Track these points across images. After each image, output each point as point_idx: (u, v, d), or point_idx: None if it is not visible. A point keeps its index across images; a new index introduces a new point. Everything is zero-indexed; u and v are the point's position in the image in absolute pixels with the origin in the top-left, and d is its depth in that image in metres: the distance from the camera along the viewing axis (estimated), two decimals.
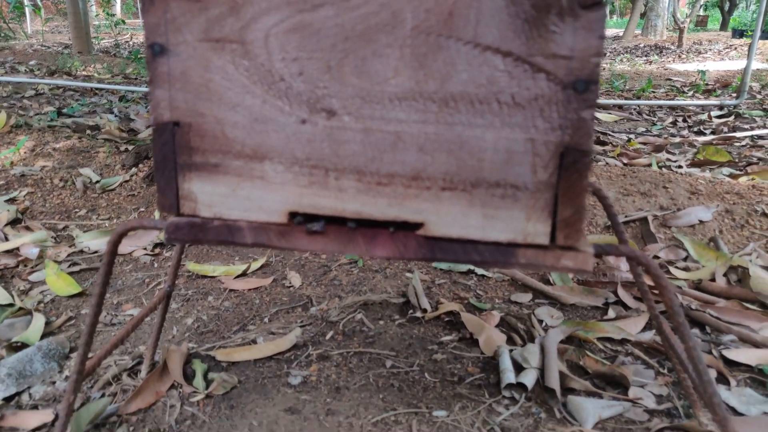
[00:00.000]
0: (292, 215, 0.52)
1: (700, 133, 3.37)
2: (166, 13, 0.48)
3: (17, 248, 1.47)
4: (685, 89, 5.01)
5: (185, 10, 0.48)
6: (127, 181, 1.90)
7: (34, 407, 0.89)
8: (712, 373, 1.00)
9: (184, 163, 0.51)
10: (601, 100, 4.16)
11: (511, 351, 1.03)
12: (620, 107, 4.18)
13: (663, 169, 2.31)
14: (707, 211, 1.58)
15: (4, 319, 1.13)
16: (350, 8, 0.46)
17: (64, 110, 3.47)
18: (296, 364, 1.00)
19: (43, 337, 1.08)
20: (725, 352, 1.05)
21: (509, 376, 0.94)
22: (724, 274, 1.35)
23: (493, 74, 0.45)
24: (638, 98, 4.56)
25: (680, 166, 2.45)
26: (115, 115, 3.32)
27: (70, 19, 6.94)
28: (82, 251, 1.48)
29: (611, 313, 1.21)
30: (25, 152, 2.12)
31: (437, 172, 0.48)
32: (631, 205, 1.63)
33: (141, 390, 0.89)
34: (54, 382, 0.95)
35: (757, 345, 1.09)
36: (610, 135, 3.35)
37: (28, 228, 1.62)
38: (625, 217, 1.57)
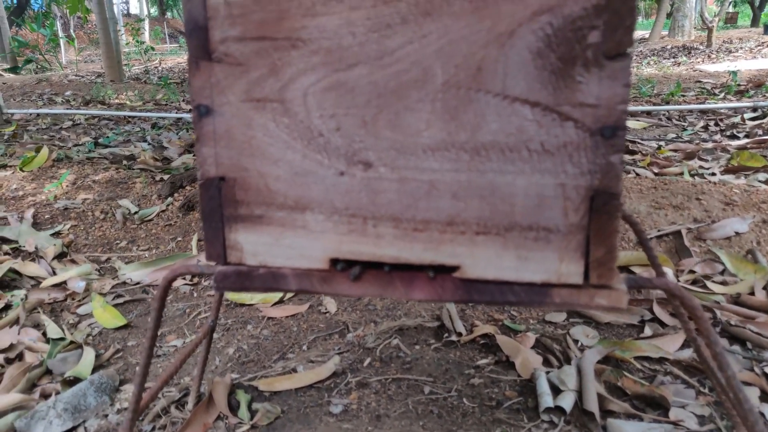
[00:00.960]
0: (334, 262, 0.54)
1: (734, 137, 3.30)
2: (210, 77, 0.51)
3: (65, 282, 1.53)
4: (716, 91, 4.93)
5: (228, 73, 0.51)
6: (163, 211, 1.96)
7: None
8: (755, 392, 0.99)
9: (230, 216, 0.54)
10: (629, 107, 4.12)
11: (547, 373, 1.04)
12: (649, 113, 4.13)
13: (696, 177, 2.29)
14: (743, 222, 1.56)
15: (56, 353, 1.18)
16: (382, 66, 0.48)
17: (100, 140, 3.59)
18: (336, 393, 1.02)
19: (94, 370, 1.13)
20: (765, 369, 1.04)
21: (547, 399, 0.95)
22: (764, 287, 1.33)
23: (522, 124, 0.47)
24: (667, 103, 4.49)
25: (713, 174, 2.41)
26: (149, 143, 3.41)
27: (103, 49, 7.17)
28: (125, 283, 1.54)
29: (648, 331, 1.21)
30: (67, 186, 2.20)
31: (471, 218, 0.50)
32: (664, 219, 1.62)
33: (189, 423, 0.92)
34: (107, 415, 0.99)
35: None
36: (639, 143, 3.32)
37: (73, 261, 1.68)
38: (658, 231, 1.56)
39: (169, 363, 1.16)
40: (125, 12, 22.34)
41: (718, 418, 0.93)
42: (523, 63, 0.46)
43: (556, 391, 0.99)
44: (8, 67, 9.55)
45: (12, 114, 4.78)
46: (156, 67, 10.30)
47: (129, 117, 4.74)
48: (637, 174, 2.31)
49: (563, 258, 0.49)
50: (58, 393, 1.06)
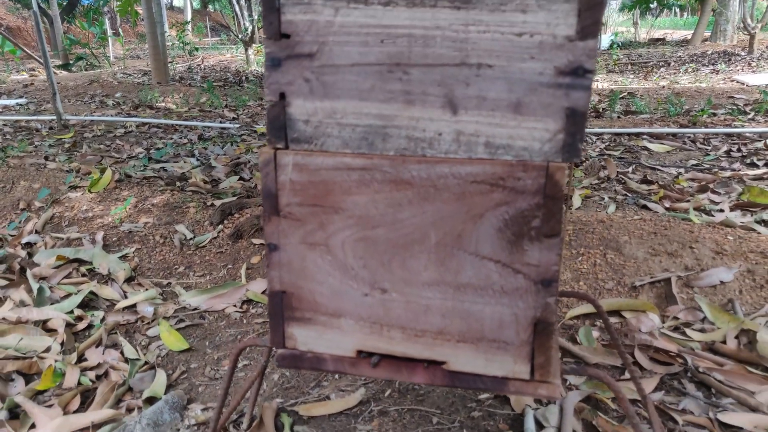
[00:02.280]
0: (359, 352, 0.78)
1: (753, 165, 3.40)
2: (278, 226, 0.75)
3: (135, 305, 1.81)
4: (747, 109, 4.96)
5: (290, 225, 0.75)
6: (215, 238, 2.23)
7: None
8: None
9: (288, 316, 0.78)
10: (655, 129, 4.24)
11: (535, 410, 1.26)
12: (674, 136, 4.23)
13: (703, 215, 2.44)
14: (729, 272, 1.74)
15: (135, 372, 1.45)
16: (395, 230, 0.71)
17: (152, 152, 3.89)
18: (361, 419, 1.26)
19: (165, 389, 1.39)
20: (720, 416, 1.24)
21: None
22: (736, 337, 1.51)
23: (489, 273, 0.70)
24: (694, 124, 4.57)
25: (722, 210, 2.56)
26: (197, 159, 3.69)
27: (150, 51, 7.53)
28: (184, 308, 1.80)
29: (627, 374, 1.41)
30: (130, 209, 2.49)
31: (454, 331, 0.73)
32: (658, 266, 1.81)
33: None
34: (179, 430, 1.25)
35: (752, 409, 1.26)
36: (659, 170, 3.45)
37: (140, 284, 1.96)
38: (651, 278, 1.75)
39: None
40: (169, 5, 22.84)
41: None
42: (489, 235, 0.69)
43: (540, 426, 1.21)
44: (60, 63, 10.05)
45: (69, 120, 5.14)
46: (199, 65, 10.66)
47: (176, 125, 5.05)
48: (642, 218, 2.48)
49: (516, 361, 0.72)
50: (140, 408, 1.32)
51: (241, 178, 3.02)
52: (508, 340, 0.71)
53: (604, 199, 2.72)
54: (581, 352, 1.49)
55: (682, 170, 3.36)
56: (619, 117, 5.03)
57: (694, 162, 3.49)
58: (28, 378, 1.48)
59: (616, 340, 1.13)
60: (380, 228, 0.72)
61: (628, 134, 4.29)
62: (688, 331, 1.55)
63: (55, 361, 1.50)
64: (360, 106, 0.69)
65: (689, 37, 12.63)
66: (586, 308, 1.67)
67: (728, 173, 3.19)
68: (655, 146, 3.89)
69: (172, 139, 4.47)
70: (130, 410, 1.32)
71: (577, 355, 1.49)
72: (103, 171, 2.84)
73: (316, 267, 0.75)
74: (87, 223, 2.43)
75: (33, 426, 1.29)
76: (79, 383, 1.42)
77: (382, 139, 0.69)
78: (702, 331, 1.56)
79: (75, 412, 1.34)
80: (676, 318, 1.61)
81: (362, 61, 0.67)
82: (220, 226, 2.29)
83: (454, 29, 0.64)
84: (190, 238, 2.22)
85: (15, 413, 1.33)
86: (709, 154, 3.64)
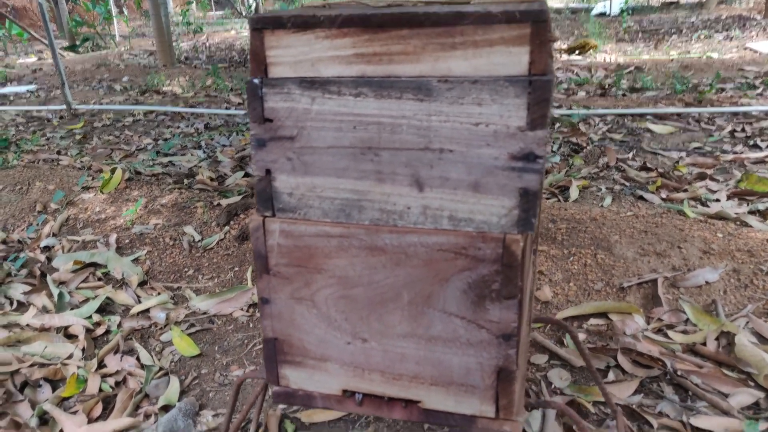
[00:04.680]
0: (344, 391, 0.87)
1: (756, 147, 3.40)
2: (269, 283, 0.84)
3: (148, 309, 1.92)
4: (757, 83, 4.90)
5: (279, 282, 0.83)
6: (222, 240, 2.33)
7: None
8: None
9: (281, 359, 0.88)
10: (659, 109, 4.24)
11: None
12: (678, 115, 4.23)
13: (699, 205, 2.49)
14: (714, 272, 1.81)
15: (151, 379, 1.57)
16: (372, 289, 0.80)
17: (160, 144, 3.98)
18: (358, 425, 1.37)
19: (180, 395, 1.50)
20: (693, 419, 1.33)
21: None
22: (716, 339, 1.60)
23: (456, 328, 0.79)
24: (700, 102, 4.55)
25: (718, 200, 2.60)
26: (203, 151, 3.77)
27: (155, 33, 7.56)
28: (194, 312, 1.91)
29: (611, 376, 1.50)
30: (140, 210, 2.59)
31: (427, 376, 0.82)
32: (646, 266, 1.88)
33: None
34: None
35: (724, 412, 1.35)
36: (660, 155, 3.48)
37: (152, 288, 2.07)
38: (638, 279, 1.83)
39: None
40: None
41: None
42: (455, 296, 0.77)
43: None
44: (67, 45, 10.09)
45: (78, 109, 5.23)
46: (204, 44, 10.64)
47: (182, 113, 5.11)
48: (643, 198, 2.53)
49: (483, 403, 0.81)
50: (156, 414, 1.44)
51: (246, 174, 3.11)
52: (475, 385, 0.80)
53: (601, 189, 2.78)
54: (567, 355, 1.58)
55: (683, 154, 3.38)
56: (624, 95, 5.02)
57: (697, 144, 3.50)
58: (53, 384, 1.60)
59: (585, 355, 1.22)
60: (358, 287, 0.80)
61: (632, 115, 4.30)
62: (670, 333, 1.64)
63: (78, 368, 1.62)
64: (337, 182, 0.77)
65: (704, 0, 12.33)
66: (575, 310, 1.75)
67: (730, 156, 3.21)
68: (658, 127, 3.89)
69: (179, 128, 4.55)
70: (147, 416, 1.44)
71: (563, 358, 1.58)
72: (113, 170, 2.94)
73: (304, 319, 0.84)
74: (100, 225, 2.54)
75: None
76: (101, 390, 1.54)
77: (357, 211, 0.77)
78: (684, 332, 1.64)
79: (98, 418, 1.46)
80: (660, 320, 1.70)
81: (337, 144, 0.75)
82: (227, 227, 2.38)
83: (418, 118, 0.72)
84: (198, 240, 2.32)
85: (44, 419, 1.46)
86: (712, 135, 3.64)
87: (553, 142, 3.65)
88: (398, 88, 0.71)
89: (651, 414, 1.36)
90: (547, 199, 2.71)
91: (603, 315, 1.74)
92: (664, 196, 2.70)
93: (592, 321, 1.72)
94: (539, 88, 0.67)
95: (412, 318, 0.80)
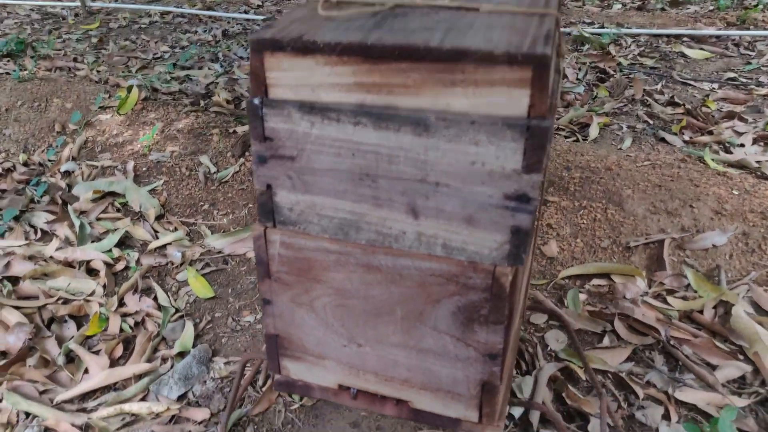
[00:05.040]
0: (341, 385, 0.93)
1: None
2: (270, 286, 0.87)
3: (165, 246, 1.99)
4: None
5: (280, 287, 0.87)
6: (237, 172, 2.35)
7: (197, 403, 1.41)
8: (660, 410, 1.35)
9: (282, 353, 0.93)
10: (696, 30, 4.02)
11: (513, 379, 1.43)
12: (717, 38, 4.00)
13: (721, 151, 2.42)
14: (723, 235, 1.80)
15: (167, 322, 1.66)
16: (367, 302, 0.83)
17: (177, 52, 3.93)
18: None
19: (194, 338, 1.60)
20: (677, 392, 1.39)
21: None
22: (714, 307, 1.62)
23: (445, 344, 0.82)
24: (743, 22, 4.28)
25: (742, 145, 2.54)
26: (221, 65, 3.71)
27: None
28: (209, 251, 1.98)
29: (606, 341, 1.56)
30: (157, 135, 2.61)
31: (417, 381, 0.87)
32: (656, 225, 1.88)
33: (260, 399, 1.38)
34: (205, 382, 1.47)
35: (709, 386, 1.41)
36: (691, 85, 3.34)
37: (169, 222, 2.13)
38: (645, 239, 1.84)
39: (244, 338, 1.61)
40: None
41: (624, 430, 1.31)
42: (446, 316, 0.80)
43: (514, 395, 1.38)
44: None
45: (93, 6, 5.11)
46: None
47: (200, 16, 4.97)
48: (665, 141, 2.47)
49: (467, 408, 0.86)
50: (172, 358, 1.54)
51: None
52: (461, 393, 0.85)
53: (622, 128, 2.72)
54: (566, 316, 1.63)
55: (715, 86, 3.25)
56: (663, 9, 4.74)
57: (731, 75, 3.34)
58: (77, 320, 1.71)
59: (578, 348, 1.26)
60: (355, 299, 0.83)
61: (667, 36, 4.09)
62: (670, 298, 1.67)
63: (100, 305, 1.72)
64: (335, 203, 0.78)
65: None
66: (579, 269, 1.78)
67: (765, 90, 3.08)
68: (693, 52, 3.70)
69: (196, 33, 4.45)
70: (164, 360, 1.54)
71: (561, 318, 1.63)
72: (130, 89, 2.93)
73: (303, 321, 0.88)
74: (118, 150, 2.57)
75: (86, 371, 1.52)
76: (121, 330, 1.64)
77: (355, 230, 0.79)
78: (684, 298, 1.67)
79: (119, 358, 1.56)
80: (661, 284, 1.72)
81: (336, 167, 0.75)
82: (242, 159, 2.40)
83: (415, 152, 0.71)
84: (214, 172, 2.35)
85: (70, 357, 1.57)
86: (750, 63, 3.47)
87: (579, 69, 3.52)
88: (397, 121, 0.70)
89: (639, 384, 1.42)
90: (566, 137, 2.66)
91: (606, 275, 1.77)
92: (687, 138, 2.63)
93: (595, 281, 1.75)
94: (537, 134, 0.66)
95: (404, 330, 0.84)
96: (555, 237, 1.91)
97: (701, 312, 1.61)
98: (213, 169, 2.37)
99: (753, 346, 1.48)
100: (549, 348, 1.55)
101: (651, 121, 2.82)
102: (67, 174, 2.45)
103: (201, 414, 1.36)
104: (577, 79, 3.39)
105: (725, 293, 1.63)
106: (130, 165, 2.43)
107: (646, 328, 1.57)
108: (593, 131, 2.66)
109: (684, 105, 3.06)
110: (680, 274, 1.73)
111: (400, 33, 0.71)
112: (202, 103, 2.96)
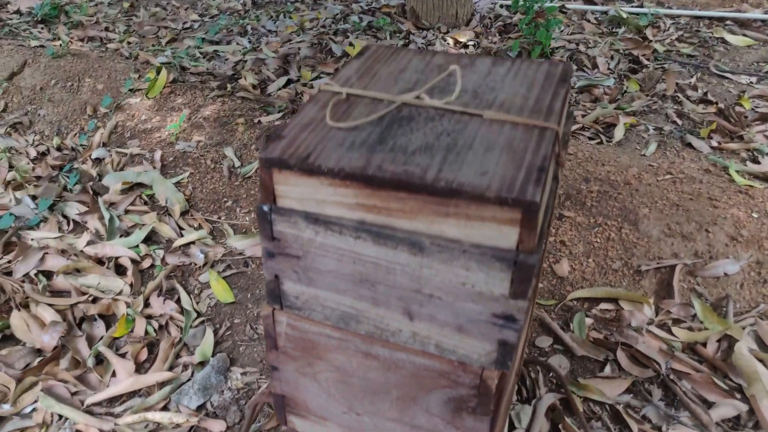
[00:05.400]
0: None
1: None
2: (277, 356, 0.94)
3: (189, 244, 2.08)
4: None
5: (286, 358, 0.94)
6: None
7: (215, 414, 1.52)
8: None
9: (288, 410, 1.01)
10: (740, 14, 3.86)
11: (512, 408, 1.50)
12: (763, 22, 3.84)
13: (749, 161, 2.38)
14: (736, 264, 1.81)
15: (189, 328, 1.76)
16: (366, 382, 0.89)
17: (206, 22, 3.94)
18: None
19: (213, 347, 1.70)
20: (671, 429, 1.44)
21: None
22: (718, 341, 1.65)
23: (436, 425, 0.89)
24: None
25: None
26: (249, 40, 3.72)
27: None
28: (231, 252, 2.06)
29: (607, 370, 1.61)
30: (184, 123, 2.66)
31: None
32: (669, 249, 1.89)
33: (272, 415, 1.48)
34: (223, 392, 1.57)
35: (702, 425, 1.46)
36: (728, 78, 3.26)
37: (194, 219, 2.21)
38: (657, 263, 1.85)
39: (260, 348, 1.70)
40: None
41: None
42: (437, 403, 0.86)
43: (512, 426, 1.45)
44: None
45: None
46: None
47: None
48: (691, 146, 2.43)
49: None
50: (192, 365, 1.64)
51: (288, 81, 3.09)
52: None
53: (648, 130, 2.68)
54: (570, 341, 1.68)
55: (753, 79, 3.15)
56: None
57: None
58: (106, 319, 1.82)
59: (567, 389, 1.31)
60: (354, 378, 0.90)
61: (709, 19, 3.94)
62: (675, 329, 1.70)
63: (127, 306, 1.82)
64: (337, 298, 0.83)
65: None
66: (588, 292, 1.82)
67: None
68: (735, 38, 3.56)
69: (227, 0, 4.44)
70: (186, 367, 1.65)
71: (565, 343, 1.68)
72: (159, 70, 2.97)
73: (307, 388, 0.96)
74: (146, 137, 2.64)
75: (113, 374, 1.63)
76: (146, 333, 1.75)
77: (355, 322, 0.85)
78: (689, 329, 1.70)
79: (144, 362, 1.67)
80: (669, 312, 1.75)
81: (338, 270, 0.80)
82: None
83: (411, 267, 0.76)
84: (238, 167, 2.41)
85: (99, 359, 1.68)
86: None
87: (611, 57, 3.45)
88: (394, 240, 0.74)
89: (634, 418, 1.48)
90: (590, 139, 2.64)
91: (614, 300, 1.80)
92: (715, 143, 2.59)
93: (603, 306, 1.79)
94: (523, 268, 0.69)
95: (399, 409, 0.90)
96: (567, 255, 1.94)
97: (705, 345, 1.65)
98: (237, 163, 2.43)
99: (751, 386, 1.52)
100: (551, 374, 1.60)
101: (680, 122, 2.77)
102: (98, 161, 2.54)
103: (218, 426, 1.47)
104: (609, 69, 3.32)
105: (731, 327, 1.65)
106: (158, 155, 2.51)
107: (648, 360, 1.61)
108: (618, 133, 2.64)
109: (717, 103, 2.99)
110: (688, 303, 1.76)
111: (400, 154, 0.74)
112: (228, 86, 3.00)
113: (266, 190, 0.78)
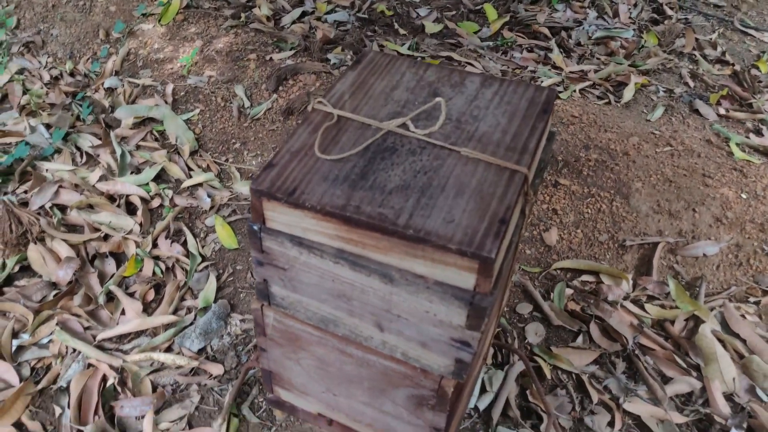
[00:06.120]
0: (320, 414, 1.15)
1: None
2: (266, 341, 1.06)
3: (196, 186, 2.17)
4: None
5: (273, 343, 1.05)
6: (269, 109, 2.45)
7: (214, 357, 1.67)
8: (607, 418, 1.55)
9: (274, 382, 1.14)
10: None
11: (487, 371, 1.63)
12: None
13: (752, 134, 2.39)
14: (715, 246, 1.89)
15: (194, 272, 1.89)
16: (342, 372, 1.01)
17: None
18: None
19: (216, 292, 1.83)
20: (626, 403, 1.58)
21: (472, 399, 1.57)
22: (686, 320, 1.76)
23: (401, 413, 1.01)
24: None
25: None
26: None
27: None
28: (237, 197, 2.15)
29: (579, 341, 1.73)
30: (196, 56, 2.68)
31: (379, 428, 1.08)
32: (655, 225, 1.96)
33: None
34: (222, 336, 1.72)
35: (656, 400, 1.59)
36: (751, 35, 3.19)
37: (203, 159, 2.29)
38: (641, 239, 1.93)
39: None
40: None
41: None
42: (402, 396, 0.98)
43: (483, 390, 1.59)
44: None
45: None
46: None
47: None
48: (698, 113, 2.44)
49: None
50: (195, 309, 1.78)
51: (303, 13, 3.05)
52: None
53: (658, 92, 2.67)
54: (548, 310, 1.79)
55: None
56: None
57: None
58: (116, 257, 1.94)
59: (535, 380, 1.43)
60: (332, 367, 1.02)
61: None
62: (648, 305, 1.80)
63: (136, 245, 1.94)
64: (318, 305, 0.93)
65: None
66: (571, 263, 1.91)
67: None
68: None
69: None
70: (189, 311, 1.79)
71: (544, 312, 1.80)
72: None
73: (291, 369, 1.08)
74: (158, 67, 2.67)
75: (123, 312, 1.78)
76: (153, 273, 1.88)
77: (333, 325, 0.95)
78: (662, 306, 1.80)
79: (151, 302, 1.81)
80: (645, 288, 1.85)
81: (319, 285, 0.90)
82: (275, 95, 2.48)
83: (382, 292, 0.85)
84: (248, 107, 2.45)
85: (110, 296, 1.83)
86: None
87: (635, 5, 3.35)
88: (368, 269, 0.83)
89: (596, 388, 1.61)
90: (599, 98, 2.64)
91: (595, 273, 1.89)
92: (722, 110, 2.58)
93: (584, 277, 1.88)
94: (478, 308, 0.78)
95: (370, 396, 1.02)
96: (558, 224, 2.02)
97: (673, 323, 1.76)
98: (247, 103, 2.47)
99: (708, 365, 1.64)
100: (526, 340, 1.73)
101: (692, 84, 2.75)
102: (110, 91, 2.58)
103: (216, 369, 1.62)
104: (630, 18, 3.24)
105: (699, 308, 1.75)
106: (169, 88, 2.54)
107: (617, 334, 1.73)
108: (627, 93, 2.63)
109: (733, 65, 2.94)
110: (664, 281, 1.85)
111: (378, 194, 0.81)
112: (242, 16, 2.97)
113: (256, 212, 0.86)
